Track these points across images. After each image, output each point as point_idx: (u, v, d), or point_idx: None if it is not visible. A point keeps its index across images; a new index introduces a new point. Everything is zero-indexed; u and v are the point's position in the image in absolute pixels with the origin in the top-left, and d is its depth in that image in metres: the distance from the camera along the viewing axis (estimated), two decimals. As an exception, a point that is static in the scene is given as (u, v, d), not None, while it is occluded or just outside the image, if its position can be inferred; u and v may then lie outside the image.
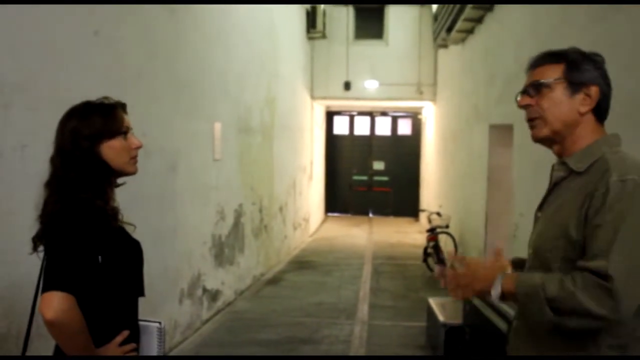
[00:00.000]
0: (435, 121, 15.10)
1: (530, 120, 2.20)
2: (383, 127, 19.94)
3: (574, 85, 2.07)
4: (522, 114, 6.37)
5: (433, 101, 15.32)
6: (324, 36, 14.98)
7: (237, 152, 8.57)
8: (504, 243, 7.52)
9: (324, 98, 16.00)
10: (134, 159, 2.43)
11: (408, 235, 15.72)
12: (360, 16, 15.90)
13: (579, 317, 1.87)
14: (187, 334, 6.61)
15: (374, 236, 15.59)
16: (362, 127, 20.04)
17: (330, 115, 19.62)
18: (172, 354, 6.11)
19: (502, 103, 7.64)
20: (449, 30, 10.95)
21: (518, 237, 6.65)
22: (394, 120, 19.83)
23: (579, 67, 2.08)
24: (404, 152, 19.42)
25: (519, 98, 2.25)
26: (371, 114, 19.78)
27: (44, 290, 2.12)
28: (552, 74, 2.11)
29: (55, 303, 2.09)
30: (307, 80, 14.91)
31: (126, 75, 5.17)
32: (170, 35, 6.07)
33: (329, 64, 15.60)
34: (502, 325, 4.26)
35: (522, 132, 6.71)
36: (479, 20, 9.26)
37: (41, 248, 2.31)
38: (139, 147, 2.45)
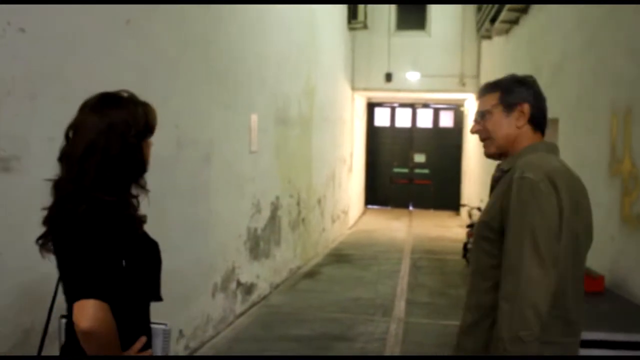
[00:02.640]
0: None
1: (483, 141, 2.60)
2: (424, 119, 19.69)
3: (509, 106, 2.50)
4: (569, 106, 6.12)
5: (476, 93, 15.00)
6: (365, 27, 14.79)
7: (274, 144, 8.46)
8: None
9: (365, 89, 15.84)
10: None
11: (448, 229, 15.50)
12: (402, 7, 15.68)
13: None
14: (220, 328, 6.53)
15: (414, 230, 15.40)
16: (403, 119, 19.82)
17: (371, 107, 19.45)
18: (204, 348, 6.02)
19: (547, 96, 7.36)
20: (493, 20, 10.69)
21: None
22: (436, 112, 19.57)
23: (511, 91, 2.51)
24: (446, 145, 19.16)
25: (472, 124, 2.64)
26: (412, 106, 19.55)
27: (77, 297, 2.03)
28: (491, 101, 2.54)
29: (92, 312, 2.00)
30: (347, 71, 14.75)
31: (160, 65, 5.08)
32: (205, 24, 5.96)
33: (370, 55, 15.42)
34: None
35: (568, 125, 6.48)
36: (523, 10, 9.00)
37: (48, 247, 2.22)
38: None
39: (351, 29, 14.70)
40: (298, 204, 9.94)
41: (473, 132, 2.62)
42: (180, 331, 5.53)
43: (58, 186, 2.17)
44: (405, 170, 19.74)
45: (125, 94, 2.26)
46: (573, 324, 2.34)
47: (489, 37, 12.34)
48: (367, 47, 15.39)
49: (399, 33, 15.49)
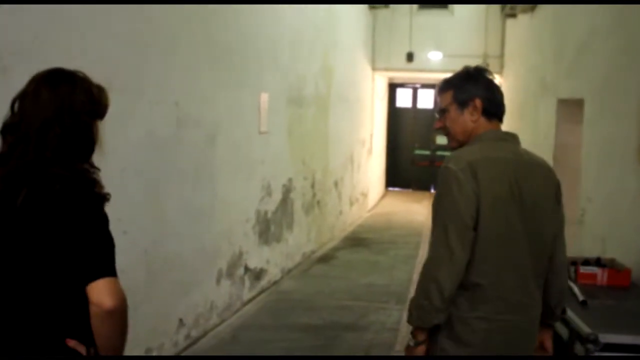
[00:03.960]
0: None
1: (446, 136, 2.78)
2: (447, 101, 19.25)
3: (462, 103, 2.67)
4: (596, 87, 5.76)
5: (500, 74, 14.59)
6: (386, 5, 14.39)
7: (287, 124, 8.16)
8: (570, 230, 6.95)
9: (386, 69, 15.46)
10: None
11: (469, 213, 15.14)
12: None
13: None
14: (225, 315, 6.28)
15: (434, 213, 15.04)
16: (425, 100, 19.42)
17: (392, 88, 19.06)
18: (207, 337, 5.78)
19: (572, 76, 7.03)
20: (518, -2, 10.30)
21: (585, 223, 6.09)
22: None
23: (461, 88, 2.68)
24: None
25: (436, 121, 2.85)
26: (435, 87, 19.09)
27: (92, 277, 1.96)
28: (447, 99, 2.72)
29: (116, 289, 1.98)
30: (368, 51, 14.38)
31: (157, 40, 4.80)
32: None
33: (391, 34, 15.01)
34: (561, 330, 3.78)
35: (594, 107, 6.12)
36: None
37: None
38: None
39: (372, 7, 14.31)
40: (312, 186, 9.65)
41: (436, 128, 2.80)
42: (181, 320, 5.29)
43: (9, 160, 2.05)
44: (427, 153, 19.35)
45: (80, 74, 2.18)
46: (515, 305, 2.54)
47: (513, 15, 11.93)
48: (388, 26, 14.99)
49: (421, 12, 15.05)
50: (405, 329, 6.26)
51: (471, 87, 2.66)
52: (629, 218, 4.92)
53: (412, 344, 2.60)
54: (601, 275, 4.05)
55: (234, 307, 6.51)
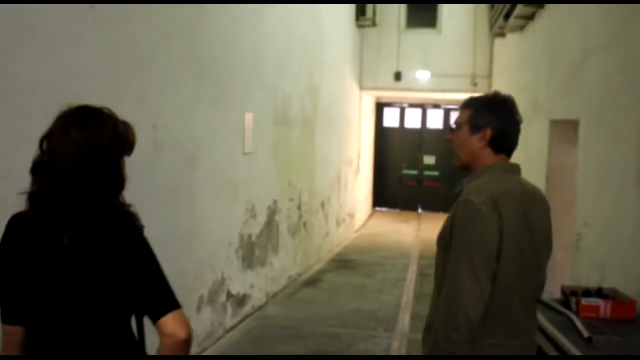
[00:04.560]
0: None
1: (455, 150, 2.78)
2: (435, 120, 19.09)
3: (474, 127, 2.67)
4: (592, 107, 5.53)
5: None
6: (374, 24, 14.20)
7: (273, 145, 7.92)
8: (564, 254, 6.73)
9: (374, 89, 15.29)
10: None
11: (458, 234, 14.90)
12: (412, 4, 15.07)
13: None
14: (207, 344, 6.00)
15: (422, 233, 14.80)
16: (413, 119, 19.24)
17: (380, 107, 18.89)
18: (186, 368, 5.49)
19: (566, 96, 6.82)
20: (507, 17, 10.09)
21: (582, 249, 5.87)
22: (447, 113, 18.95)
23: (479, 113, 2.67)
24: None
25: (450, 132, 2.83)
26: (423, 107, 18.97)
27: (163, 311, 2.07)
28: (464, 117, 2.71)
29: (186, 321, 2.11)
30: (355, 69, 14.19)
31: (133, 56, 4.55)
32: (191, 12, 5.42)
33: (379, 53, 14.85)
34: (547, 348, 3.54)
35: (590, 127, 5.90)
36: (540, 3, 8.41)
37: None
38: None
39: (359, 26, 14.13)
40: (299, 207, 9.40)
41: (447, 139, 2.85)
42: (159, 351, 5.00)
43: (41, 198, 2.08)
44: (415, 172, 19.19)
45: (107, 111, 2.22)
46: (520, 329, 2.60)
47: (502, 34, 11.76)
48: (376, 45, 14.83)
49: (409, 31, 14.90)
50: (394, 359, 6.01)
51: (488, 115, 2.66)
52: (630, 244, 4.69)
53: None
54: (604, 308, 3.80)
55: (215, 335, 6.23)
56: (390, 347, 6.36)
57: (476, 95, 2.80)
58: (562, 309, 3.91)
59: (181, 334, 2.06)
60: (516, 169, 2.74)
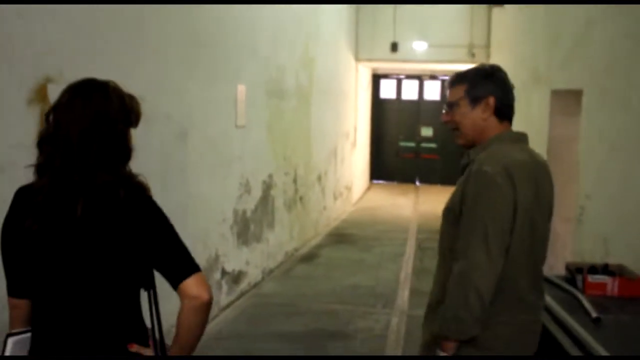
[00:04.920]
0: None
1: (453, 131, 2.69)
2: (432, 92, 18.89)
3: (474, 99, 2.59)
4: (596, 76, 5.33)
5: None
6: (370, -6, 13.98)
7: (267, 118, 7.73)
8: (565, 227, 6.59)
9: (369, 60, 15.04)
10: None
11: (456, 206, 14.75)
12: (407, 4, 14.75)
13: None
14: (201, 323, 5.86)
15: (420, 206, 14.67)
16: (410, 91, 19.04)
17: (376, 79, 18.67)
18: (180, 348, 5.36)
19: (569, 66, 6.63)
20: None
21: (584, 222, 5.72)
22: (444, 84, 18.76)
23: (476, 84, 2.60)
24: None
25: (443, 113, 2.72)
26: (420, 78, 18.76)
27: (188, 272, 2.10)
28: (458, 93, 2.63)
29: (207, 283, 2.15)
30: (351, 41, 13.94)
31: (120, 27, 4.35)
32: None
33: (375, 24, 14.58)
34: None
35: (594, 97, 5.73)
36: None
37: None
38: None
39: (355, -4, 13.92)
40: (295, 181, 9.24)
41: (444, 121, 2.72)
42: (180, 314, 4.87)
43: (47, 170, 2.09)
44: (412, 145, 19.04)
45: (112, 84, 2.22)
46: (530, 304, 2.54)
47: (501, 3, 11.54)
48: (372, 15, 14.55)
49: (405, 4, 14.65)
50: (393, 335, 5.90)
51: (486, 85, 2.60)
52: (636, 217, 4.54)
53: (442, 355, 2.48)
54: (612, 285, 3.65)
55: (210, 314, 6.08)
56: (389, 323, 6.23)
57: (462, 70, 2.71)
58: (568, 287, 3.77)
59: (204, 295, 2.10)
60: (524, 137, 2.67)
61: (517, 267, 2.45)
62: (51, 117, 2.11)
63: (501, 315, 2.46)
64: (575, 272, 3.86)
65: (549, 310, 3.60)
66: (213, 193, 6.10)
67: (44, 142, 2.10)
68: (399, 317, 6.44)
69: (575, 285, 3.76)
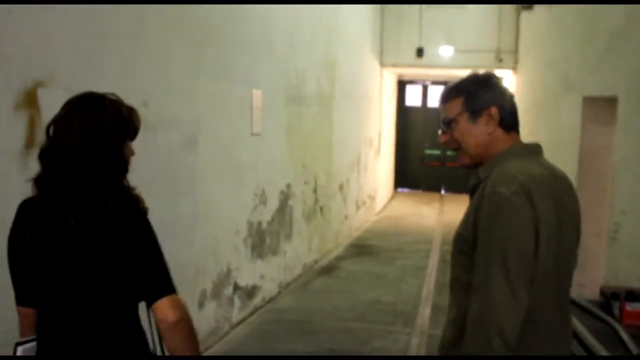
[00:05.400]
0: (516, 92, 13.53)
1: (455, 151, 2.39)
2: (459, 98, 18.54)
3: (475, 112, 2.28)
4: (632, 82, 4.94)
5: (514, 70, 13.85)
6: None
7: (285, 125, 7.44)
8: (596, 242, 6.20)
9: (394, 65, 14.75)
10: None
11: (482, 216, 14.34)
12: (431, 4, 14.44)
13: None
14: (211, 342, 5.57)
15: (445, 216, 14.30)
16: (435, 97, 18.64)
17: (402, 85, 18.37)
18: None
19: (603, 70, 6.24)
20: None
21: (619, 240, 5.34)
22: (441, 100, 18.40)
23: (475, 95, 2.28)
24: None
25: (439, 134, 2.45)
26: (446, 84, 18.31)
27: (157, 295, 2.10)
28: (455, 108, 2.31)
29: (179, 305, 2.13)
30: (375, 45, 13.65)
31: (118, 25, 4.05)
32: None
33: (400, 28, 14.30)
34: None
35: (631, 104, 5.35)
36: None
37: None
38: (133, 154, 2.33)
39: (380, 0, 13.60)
40: (315, 191, 8.93)
41: (441, 142, 2.44)
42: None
43: (45, 182, 2.14)
44: (438, 152, 18.72)
45: (112, 97, 2.25)
46: (556, 334, 2.22)
47: (529, 7, 11.17)
48: (397, 19, 14.27)
49: (432, 4, 14.31)
50: (413, 358, 5.54)
51: (485, 94, 2.29)
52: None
53: None
54: (654, 315, 3.30)
55: (221, 331, 5.79)
56: (409, 344, 5.88)
57: (450, 84, 2.41)
58: (603, 315, 3.41)
59: (170, 316, 2.08)
60: (538, 149, 2.33)
61: (541, 297, 2.13)
62: (50, 131, 2.16)
63: (525, 350, 2.12)
64: (611, 297, 3.51)
65: (581, 341, 3.26)
66: (225, 204, 5.80)
67: (43, 155, 2.15)
68: (419, 337, 6.09)
69: (611, 313, 3.41)
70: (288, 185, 7.65)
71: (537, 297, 2.10)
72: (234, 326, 6.08)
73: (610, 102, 5.84)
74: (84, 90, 3.71)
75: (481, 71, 2.34)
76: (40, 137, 3.37)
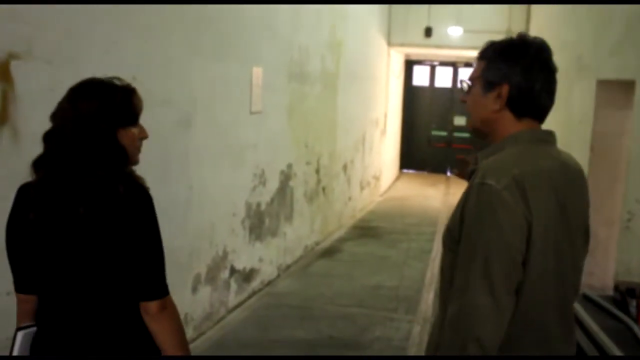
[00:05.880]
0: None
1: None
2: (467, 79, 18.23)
3: (488, 84, 2.03)
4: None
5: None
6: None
7: (287, 104, 7.20)
8: (608, 232, 5.99)
9: (402, 45, 14.45)
10: (139, 149, 2.28)
11: (488, 200, 14.10)
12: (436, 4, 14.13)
13: None
14: (205, 327, 5.38)
15: (450, 198, 14.07)
16: (443, 78, 18.41)
17: (409, 65, 18.08)
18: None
19: (620, 53, 5.98)
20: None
21: (633, 229, 5.11)
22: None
23: (493, 65, 2.02)
24: None
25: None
26: (454, 65, 18.12)
27: (149, 297, 2.10)
28: (477, 71, 2.09)
29: (167, 305, 2.14)
30: (383, 24, 13.35)
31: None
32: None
33: (409, 7, 13.99)
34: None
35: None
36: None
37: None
38: (144, 138, 2.27)
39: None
40: (317, 171, 8.71)
41: (461, 100, 2.23)
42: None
43: (45, 164, 2.11)
44: (444, 134, 18.46)
45: (117, 82, 2.19)
46: (556, 346, 1.96)
47: (543, -14, 10.87)
48: (406, -3, 14.01)
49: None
50: (414, 349, 5.34)
51: (504, 67, 1.98)
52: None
53: None
54: (673, 314, 3.10)
55: (216, 316, 5.60)
56: (411, 332, 5.69)
57: (496, 39, 2.11)
58: (618, 313, 3.22)
59: (152, 308, 2.10)
60: (549, 137, 2.05)
61: (540, 304, 1.90)
62: (52, 117, 2.15)
63: (520, 352, 1.90)
64: (626, 294, 3.30)
65: (593, 340, 3.06)
66: (222, 186, 5.59)
67: (44, 138, 2.13)
68: (422, 325, 5.90)
69: (627, 311, 3.20)
70: (289, 166, 7.43)
71: (534, 306, 1.89)
72: (231, 310, 5.90)
73: (627, 86, 5.59)
74: (66, 63, 3.53)
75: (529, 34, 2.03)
76: (14, 113, 3.20)
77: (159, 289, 2.12)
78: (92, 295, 2.10)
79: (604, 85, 6.42)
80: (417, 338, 5.57)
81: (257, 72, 6.11)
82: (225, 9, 5.40)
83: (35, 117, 3.20)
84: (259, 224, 6.53)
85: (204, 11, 5.03)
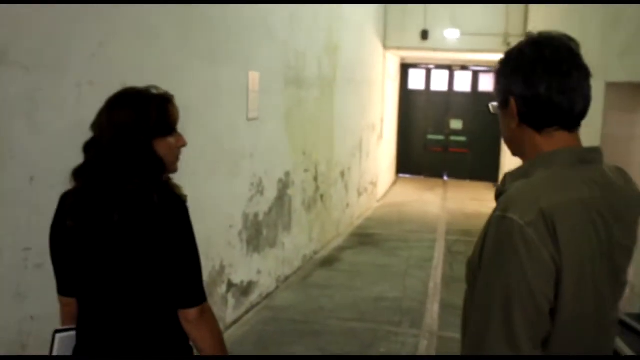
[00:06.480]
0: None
1: None
2: (463, 83, 18.02)
3: (501, 100, 1.78)
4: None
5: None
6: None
7: (284, 110, 6.96)
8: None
9: (398, 48, 14.25)
10: (177, 158, 2.37)
11: (485, 204, 13.75)
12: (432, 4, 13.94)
13: None
14: (201, 345, 5.12)
15: (449, 203, 13.86)
16: (439, 81, 18.20)
17: (405, 68, 17.88)
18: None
19: (630, 54, 5.76)
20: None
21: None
22: (475, 75, 17.87)
23: (499, 80, 1.77)
24: (485, 111, 17.04)
25: None
26: (450, 68, 17.91)
27: (188, 305, 2.13)
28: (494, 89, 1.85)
29: (207, 312, 2.19)
30: (379, 27, 13.14)
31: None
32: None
33: (405, 9, 13.79)
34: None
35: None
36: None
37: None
38: (183, 146, 2.36)
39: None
40: (315, 179, 8.47)
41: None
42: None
43: (85, 173, 2.16)
44: (441, 138, 18.25)
45: (154, 91, 2.25)
46: None
47: (542, -12, 10.67)
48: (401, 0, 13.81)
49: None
50: (422, 365, 5.10)
51: (507, 78, 1.74)
52: None
53: None
54: None
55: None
56: (418, 347, 5.45)
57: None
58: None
59: (190, 314, 2.12)
60: (592, 156, 1.74)
61: (573, 344, 1.62)
62: (92, 127, 2.21)
63: None
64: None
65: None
66: (217, 196, 5.35)
67: (85, 148, 2.18)
68: (429, 339, 5.66)
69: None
70: (287, 174, 7.19)
71: (564, 353, 1.62)
72: (229, 326, 5.65)
73: (637, 89, 5.37)
74: (45, 69, 3.28)
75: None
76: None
77: (198, 296, 2.16)
78: (128, 301, 2.14)
79: (613, 87, 6.19)
80: (424, 353, 5.32)
81: (254, 76, 5.86)
82: (220, 10, 5.16)
83: (10, 126, 2.95)
84: (257, 235, 6.29)
85: (199, 12, 4.79)
